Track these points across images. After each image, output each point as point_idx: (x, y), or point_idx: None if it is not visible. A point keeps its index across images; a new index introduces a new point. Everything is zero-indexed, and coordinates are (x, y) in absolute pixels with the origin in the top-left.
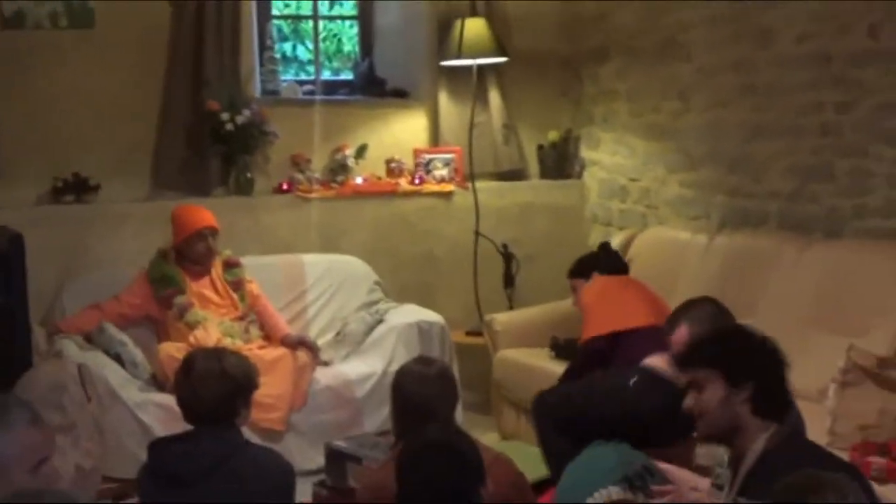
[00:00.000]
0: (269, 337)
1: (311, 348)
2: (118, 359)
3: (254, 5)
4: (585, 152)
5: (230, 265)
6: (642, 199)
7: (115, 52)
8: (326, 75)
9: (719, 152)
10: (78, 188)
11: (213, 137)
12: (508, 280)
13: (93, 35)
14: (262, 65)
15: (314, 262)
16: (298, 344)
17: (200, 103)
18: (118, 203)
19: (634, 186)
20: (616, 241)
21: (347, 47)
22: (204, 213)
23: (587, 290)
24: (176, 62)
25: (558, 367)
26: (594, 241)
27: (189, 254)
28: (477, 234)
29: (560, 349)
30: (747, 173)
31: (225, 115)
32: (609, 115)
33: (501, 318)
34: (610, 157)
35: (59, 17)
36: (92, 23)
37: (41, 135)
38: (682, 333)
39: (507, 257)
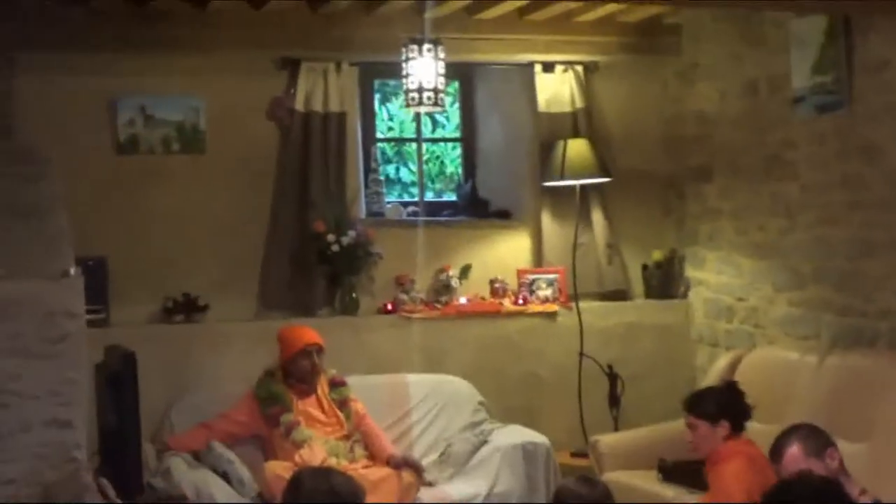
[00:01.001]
0: (373, 457)
1: (416, 468)
2: (225, 477)
3: (359, 128)
4: (690, 272)
5: (336, 384)
6: (749, 319)
7: (225, 175)
8: (429, 196)
9: (828, 270)
10: (187, 308)
11: (319, 258)
12: (614, 400)
13: (203, 159)
14: (366, 186)
15: (418, 382)
16: (403, 464)
17: (307, 224)
18: (226, 322)
19: (741, 306)
20: (723, 363)
21: (450, 168)
22: (309, 331)
23: (726, 470)
24: (283, 184)
25: (666, 490)
26: (700, 361)
27: (295, 372)
28: (581, 354)
29: (668, 472)
30: (857, 291)
31: (331, 236)
32: (714, 233)
33: (607, 440)
34: (716, 276)
35: (172, 142)
36: (203, 148)
37: (152, 256)
38: (793, 453)
39: (613, 378)
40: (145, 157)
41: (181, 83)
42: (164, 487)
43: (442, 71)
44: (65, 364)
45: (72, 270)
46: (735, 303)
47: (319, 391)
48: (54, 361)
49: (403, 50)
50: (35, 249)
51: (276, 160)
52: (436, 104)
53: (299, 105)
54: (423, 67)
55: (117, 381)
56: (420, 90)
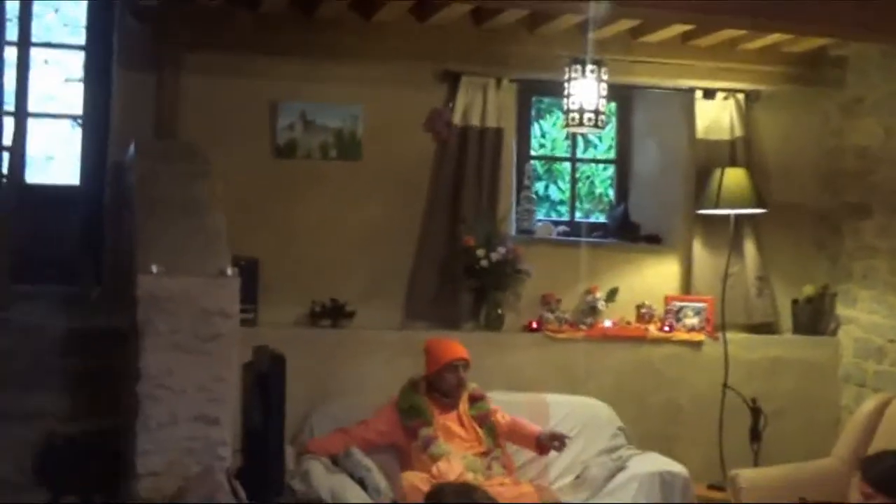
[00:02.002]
0: (524, 439)
1: (561, 439)
2: (362, 483)
3: (514, 145)
4: (841, 309)
5: (475, 399)
6: None
7: (379, 184)
8: (578, 216)
9: None
10: (334, 313)
11: (466, 272)
12: (755, 435)
13: (359, 167)
14: (518, 203)
15: (558, 402)
16: (552, 439)
17: (457, 238)
18: (371, 330)
19: (892, 347)
20: (870, 405)
21: (599, 189)
22: (458, 345)
23: None
24: (436, 197)
25: None
26: (846, 401)
27: (440, 385)
28: (725, 385)
29: None
30: None
31: (480, 252)
32: (869, 272)
33: (747, 475)
34: (867, 315)
35: (329, 148)
36: (360, 155)
37: (303, 259)
38: None
39: (756, 412)
40: (302, 161)
41: (342, 91)
42: (302, 490)
43: (604, 92)
44: (216, 362)
45: (228, 270)
46: (886, 344)
47: (461, 406)
48: (206, 358)
49: (566, 69)
50: (194, 247)
51: (431, 172)
52: (596, 125)
53: (457, 118)
54: (585, 88)
55: (265, 381)
56: (581, 111)
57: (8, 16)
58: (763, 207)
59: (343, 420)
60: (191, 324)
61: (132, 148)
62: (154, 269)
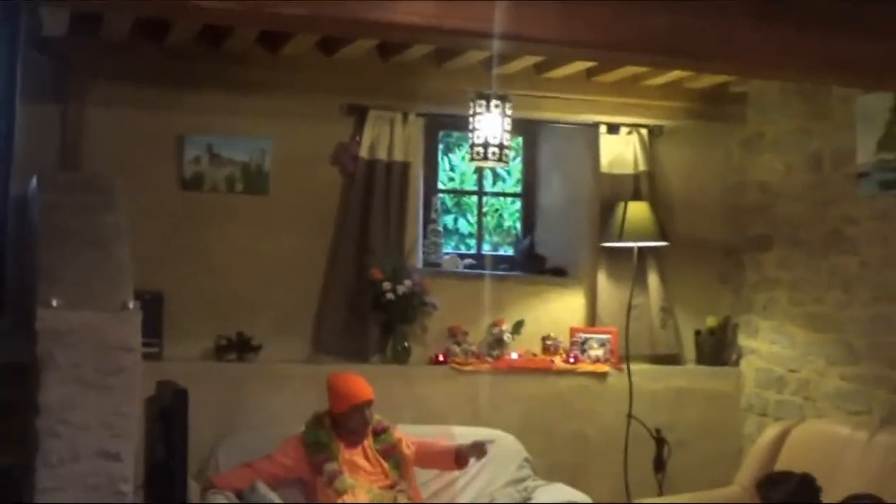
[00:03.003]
0: (440, 461)
1: (481, 450)
2: None
3: (421, 178)
4: (743, 340)
5: (378, 432)
6: (800, 391)
7: (286, 217)
8: (485, 249)
9: (884, 347)
10: (240, 347)
11: (374, 305)
12: (659, 465)
13: (266, 200)
14: (425, 236)
15: (465, 434)
16: (472, 449)
17: (364, 271)
18: (278, 364)
19: (793, 377)
20: (771, 433)
21: (508, 223)
22: (362, 387)
23: None
24: (343, 230)
25: None
26: (749, 430)
27: (346, 424)
28: (630, 416)
29: None
30: None
31: (387, 284)
32: (770, 303)
33: None
34: (768, 346)
35: (236, 181)
36: (267, 189)
37: (209, 293)
38: None
39: (660, 442)
40: (209, 194)
41: (249, 124)
42: None
43: (508, 127)
44: (118, 397)
45: (131, 304)
46: (786, 374)
47: (366, 441)
48: (108, 393)
49: (471, 104)
50: (96, 280)
51: (339, 206)
52: (500, 160)
53: (364, 152)
54: (490, 122)
55: (168, 416)
56: (486, 145)
57: None
58: (666, 240)
59: (250, 454)
60: (93, 358)
61: (35, 180)
62: (54, 302)
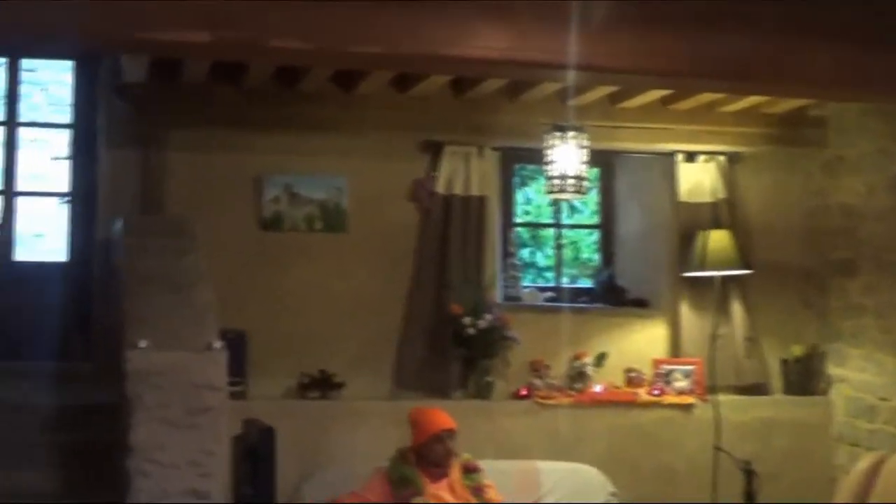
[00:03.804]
0: None
1: None
2: None
3: (498, 213)
4: (832, 368)
5: (469, 470)
6: (893, 420)
7: (365, 254)
8: (564, 282)
9: None
10: (323, 384)
11: (454, 340)
12: (748, 497)
13: (345, 237)
14: (504, 270)
15: (550, 469)
16: None
17: (443, 306)
18: (360, 401)
19: (884, 406)
20: (865, 464)
21: (585, 254)
22: (442, 415)
23: None
24: (422, 266)
25: None
26: (840, 461)
27: (428, 455)
28: (717, 448)
29: None
30: None
31: (467, 319)
32: (857, 330)
33: None
34: (858, 374)
35: (315, 220)
36: (345, 227)
37: (291, 331)
38: None
39: (749, 474)
40: (288, 233)
41: (326, 163)
42: None
43: (585, 158)
44: (206, 436)
45: (216, 344)
46: (878, 402)
47: (452, 475)
48: (196, 432)
49: (546, 137)
50: (182, 321)
51: (416, 241)
52: (578, 191)
53: (440, 188)
54: (566, 155)
55: (255, 454)
56: (563, 177)
57: None
58: (748, 268)
59: (334, 491)
60: (180, 398)
61: (119, 224)
62: (142, 343)
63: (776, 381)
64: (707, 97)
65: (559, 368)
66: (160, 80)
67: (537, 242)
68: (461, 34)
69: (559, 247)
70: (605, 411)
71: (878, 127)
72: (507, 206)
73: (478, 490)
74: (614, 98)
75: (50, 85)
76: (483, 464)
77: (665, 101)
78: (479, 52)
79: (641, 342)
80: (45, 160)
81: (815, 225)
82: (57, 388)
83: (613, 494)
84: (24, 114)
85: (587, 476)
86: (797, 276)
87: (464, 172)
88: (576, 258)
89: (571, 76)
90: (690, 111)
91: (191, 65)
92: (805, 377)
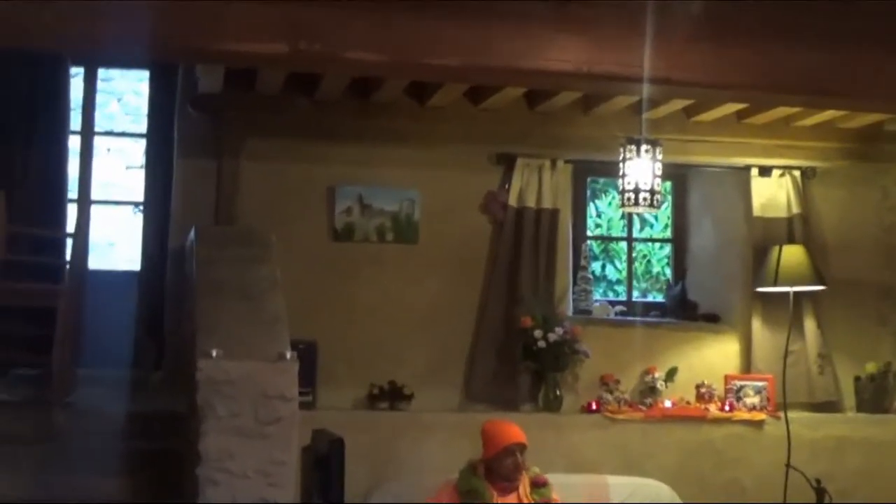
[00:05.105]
0: None
1: None
2: None
3: (570, 226)
4: None
5: (537, 484)
6: None
7: (436, 266)
8: (635, 296)
9: None
10: (393, 395)
11: (524, 353)
12: None
13: (416, 249)
14: (575, 283)
15: (619, 484)
16: None
17: (514, 319)
18: (429, 412)
19: None
20: None
21: (656, 268)
22: (514, 429)
23: None
24: (493, 278)
25: None
26: None
27: (498, 468)
28: (788, 465)
29: None
30: None
31: (538, 332)
32: None
33: None
34: None
35: (387, 231)
36: (417, 238)
37: (361, 342)
38: None
39: (821, 492)
40: (360, 244)
41: (398, 174)
42: None
43: (659, 172)
44: (276, 445)
45: (288, 354)
46: None
47: (521, 489)
48: (266, 442)
49: (621, 150)
50: (254, 331)
51: (488, 254)
52: (652, 205)
53: (513, 200)
54: (640, 168)
55: (325, 465)
56: (636, 190)
57: (72, 105)
58: (823, 284)
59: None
60: (251, 407)
61: (192, 233)
62: (214, 353)
63: (849, 398)
64: (782, 111)
65: (629, 383)
66: (235, 90)
67: (609, 256)
68: (536, 46)
69: (630, 260)
70: (675, 426)
71: None
72: (578, 218)
73: None
74: (689, 111)
75: (126, 95)
76: (552, 477)
77: (740, 115)
78: (554, 64)
79: (713, 357)
80: (120, 169)
81: (890, 241)
82: (128, 395)
83: None
84: (100, 123)
85: (656, 491)
86: (872, 293)
87: (536, 185)
88: (647, 272)
89: (647, 89)
90: (765, 125)
91: (266, 75)
92: (879, 395)
